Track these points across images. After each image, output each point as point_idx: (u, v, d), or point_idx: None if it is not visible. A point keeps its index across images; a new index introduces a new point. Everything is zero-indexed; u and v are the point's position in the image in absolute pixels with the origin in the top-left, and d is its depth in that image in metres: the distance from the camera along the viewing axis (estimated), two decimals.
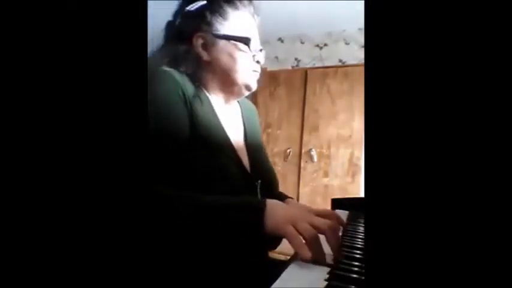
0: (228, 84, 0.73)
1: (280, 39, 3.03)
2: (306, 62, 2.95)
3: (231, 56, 0.71)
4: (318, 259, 0.44)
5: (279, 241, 0.70)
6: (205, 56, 0.71)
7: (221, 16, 0.71)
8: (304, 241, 0.45)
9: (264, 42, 3.38)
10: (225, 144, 0.67)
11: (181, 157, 0.60)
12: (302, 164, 2.56)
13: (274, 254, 0.77)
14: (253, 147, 0.78)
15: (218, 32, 0.70)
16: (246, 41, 0.70)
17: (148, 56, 0.70)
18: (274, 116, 2.70)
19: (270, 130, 2.71)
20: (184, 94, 0.63)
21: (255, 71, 0.74)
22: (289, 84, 2.68)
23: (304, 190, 2.54)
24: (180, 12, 0.74)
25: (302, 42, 2.98)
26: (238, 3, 0.73)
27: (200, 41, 0.71)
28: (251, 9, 0.75)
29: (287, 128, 2.66)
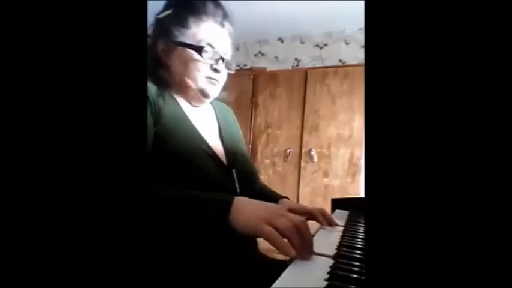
0: (184, 89, 0.76)
1: (280, 39, 3.03)
2: (306, 62, 2.95)
3: (185, 63, 0.75)
4: (303, 252, 0.44)
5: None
6: (165, 60, 0.76)
7: (182, 25, 0.75)
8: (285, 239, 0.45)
9: (264, 42, 3.36)
10: (197, 141, 0.70)
11: (147, 151, 0.61)
12: (302, 164, 2.56)
13: (274, 254, 0.77)
14: (229, 142, 0.80)
15: (176, 39, 0.75)
16: (198, 49, 0.74)
17: None
18: (274, 116, 2.70)
19: (270, 130, 2.71)
20: (149, 96, 0.66)
21: (212, 78, 0.76)
22: (289, 85, 2.68)
23: (304, 190, 2.54)
24: (153, 20, 0.80)
25: (302, 42, 2.98)
26: (202, 15, 0.75)
27: (161, 46, 0.76)
28: (218, 19, 0.77)
29: (287, 128, 2.66)
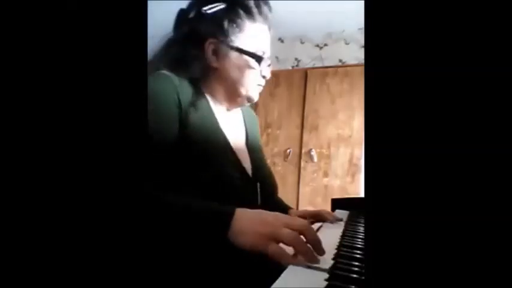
0: (231, 95, 0.73)
1: (280, 39, 3.03)
2: (306, 62, 2.95)
3: (240, 70, 0.70)
4: (314, 256, 0.44)
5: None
6: (214, 63, 0.71)
7: (238, 27, 0.70)
8: (292, 250, 0.44)
9: None
10: (225, 148, 0.67)
11: (171, 159, 0.59)
12: (302, 164, 2.56)
13: None
14: (255, 151, 0.78)
15: (232, 44, 0.69)
16: (258, 59, 0.70)
17: (148, 54, 0.70)
18: (274, 116, 2.70)
19: (269, 130, 2.71)
20: (179, 98, 0.63)
21: (260, 84, 0.75)
22: (289, 84, 2.68)
23: (304, 190, 2.54)
24: (194, 11, 0.71)
25: (302, 42, 2.98)
26: (256, 16, 0.71)
27: (212, 47, 0.70)
28: (268, 22, 0.73)
29: (287, 128, 2.66)
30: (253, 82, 0.73)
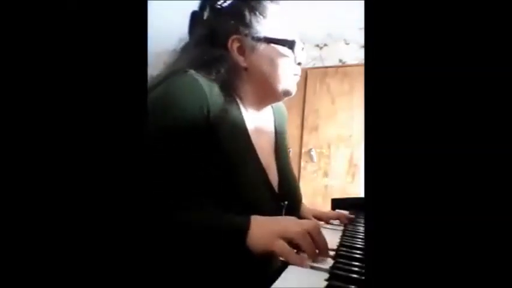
0: (266, 92, 0.64)
1: None
2: (306, 62, 2.94)
3: (273, 62, 0.61)
4: (319, 256, 0.44)
5: None
6: (241, 62, 0.61)
7: (260, 14, 0.60)
8: (302, 249, 0.44)
9: None
10: (253, 163, 0.60)
11: (198, 175, 0.54)
12: (302, 164, 2.56)
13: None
14: (283, 162, 0.71)
15: (259, 35, 0.60)
16: (290, 44, 0.61)
17: (171, 54, 0.63)
18: None
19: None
20: (208, 111, 0.54)
21: (296, 74, 0.65)
22: None
23: (304, 190, 2.53)
24: (209, 9, 0.63)
25: (302, 43, 2.98)
26: None
27: (236, 45, 0.61)
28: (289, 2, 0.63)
29: (287, 128, 2.66)
30: (288, 73, 0.63)
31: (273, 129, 0.73)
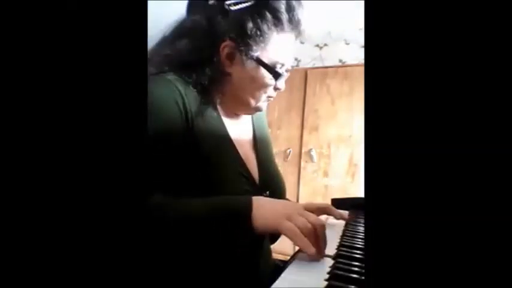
0: (240, 103, 0.68)
1: None
2: (306, 62, 2.94)
3: (254, 81, 0.64)
4: (317, 253, 0.44)
5: (277, 236, 0.69)
6: (227, 66, 0.64)
7: (262, 36, 0.60)
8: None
9: None
10: (232, 157, 0.64)
11: (178, 168, 0.57)
12: (302, 164, 2.56)
13: (274, 254, 0.77)
14: (263, 156, 0.74)
15: (253, 54, 0.61)
16: (276, 76, 0.63)
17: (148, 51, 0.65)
18: (274, 116, 2.70)
19: (270, 130, 2.70)
20: (184, 106, 0.58)
21: (270, 97, 0.69)
22: (289, 84, 2.66)
23: (304, 190, 2.54)
24: (217, 1, 0.63)
25: (302, 42, 2.98)
26: (285, 24, 0.62)
27: (227, 51, 0.62)
28: (297, 30, 0.65)
29: (287, 128, 2.66)
30: (264, 95, 0.67)
31: (251, 130, 0.77)
